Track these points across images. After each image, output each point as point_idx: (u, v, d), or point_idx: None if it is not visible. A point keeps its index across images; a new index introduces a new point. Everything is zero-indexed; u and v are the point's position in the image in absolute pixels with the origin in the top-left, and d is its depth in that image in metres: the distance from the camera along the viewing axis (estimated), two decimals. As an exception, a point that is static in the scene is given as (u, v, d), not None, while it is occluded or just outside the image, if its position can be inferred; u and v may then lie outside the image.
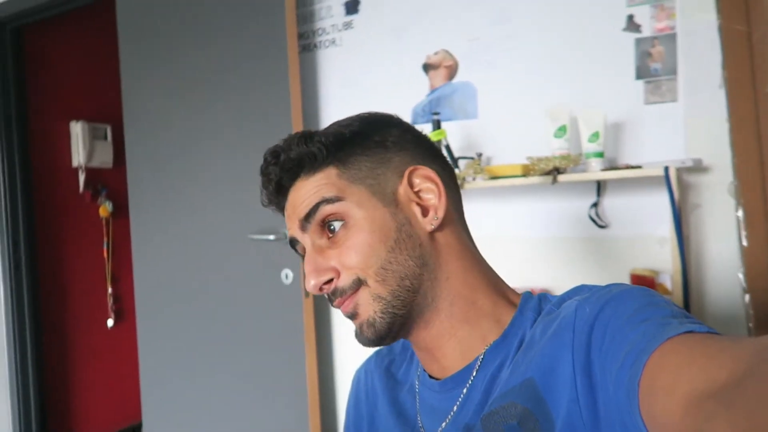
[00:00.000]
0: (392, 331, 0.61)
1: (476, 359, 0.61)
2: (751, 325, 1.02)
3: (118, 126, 2.94)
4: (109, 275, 3.02)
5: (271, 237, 1.78)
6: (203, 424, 2.05)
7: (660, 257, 1.40)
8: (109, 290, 3.02)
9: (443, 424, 0.61)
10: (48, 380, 2.68)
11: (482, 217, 1.65)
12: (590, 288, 0.58)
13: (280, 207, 0.68)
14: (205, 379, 2.04)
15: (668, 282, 1.31)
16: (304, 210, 0.62)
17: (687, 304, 1.24)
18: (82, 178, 2.90)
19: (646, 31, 1.45)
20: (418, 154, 0.66)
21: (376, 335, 0.60)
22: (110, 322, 3.01)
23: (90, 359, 2.92)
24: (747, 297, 1.03)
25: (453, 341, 0.62)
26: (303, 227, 0.63)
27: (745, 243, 1.03)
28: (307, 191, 0.62)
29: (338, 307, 0.62)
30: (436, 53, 1.72)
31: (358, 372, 0.80)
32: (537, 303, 0.62)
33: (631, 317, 0.47)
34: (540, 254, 1.58)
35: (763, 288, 0.99)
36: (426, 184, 0.64)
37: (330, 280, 0.61)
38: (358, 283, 0.60)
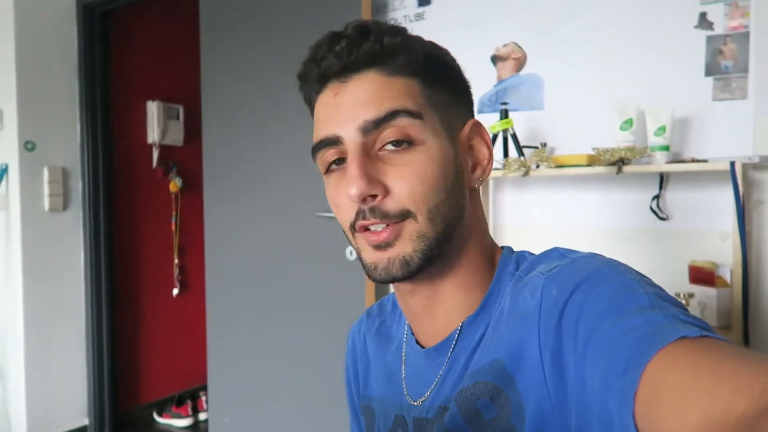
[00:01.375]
0: (420, 272, 0.55)
1: (455, 331, 0.59)
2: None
3: (189, 106, 3.13)
4: (176, 247, 3.21)
5: (339, 215, 1.89)
6: (264, 390, 2.19)
7: (720, 251, 1.43)
8: (176, 261, 3.21)
9: (427, 393, 0.60)
10: (119, 340, 2.89)
11: (544, 205, 1.71)
12: (562, 254, 0.56)
13: (314, 87, 0.59)
14: (268, 347, 2.17)
15: (728, 275, 1.34)
16: (378, 112, 0.53)
17: (746, 298, 1.28)
18: (155, 154, 3.09)
19: (719, 29, 1.47)
20: (473, 112, 0.64)
21: (404, 273, 0.54)
22: (175, 291, 3.20)
23: (156, 324, 3.12)
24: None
25: (445, 306, 0.60)
26: (365, 129, 0.54)
27: (809, 237, 1.06)
28: (383, 90, 0.54)
29: (368, 227, 0.55)
30: (505, 45, 1.78)
31: (352, 332, 0.77)
32: (514, 268, 0.60)
33: (608, 307, 0.44)
34: (600, 243, 1.63)
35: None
36: (480, 143, 0.62)
37: (375, 196, 0.54)
38: (405, 216, 0.54)
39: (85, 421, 2.75)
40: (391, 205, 0.54)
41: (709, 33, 1.48)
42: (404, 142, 0.54)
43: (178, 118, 3.19)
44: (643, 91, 1.54)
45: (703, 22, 1.49)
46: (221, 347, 2.35)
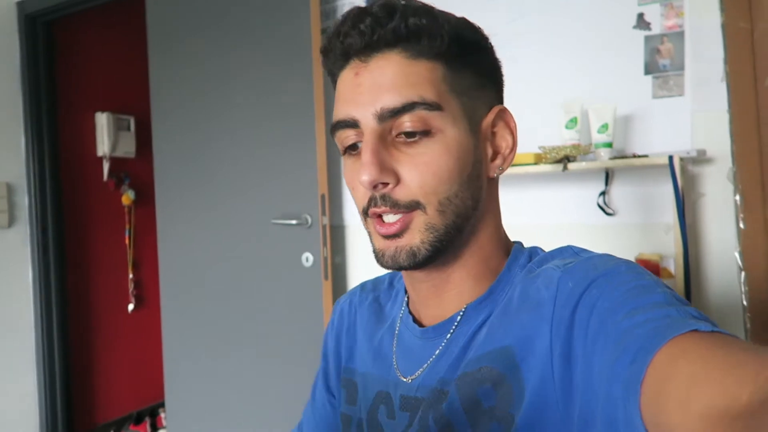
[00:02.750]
0: (427, 262, 0.55)
1: (458, 313, 0.59)
2: (744, 303, 1.10)
3: (141, 117, 3.06)
4: (131, 261, 3.13)
5: (293, 222, 1.87)
6: (224, 402, 2.14)
7: (666, 243, 1.47)
8: (130, 276, 3.12)
9: (419, 371, 0.60)
10: (73, 360, 2.79)
11: (495, 205, 1.73)
12: (576, 253, 0.57)
13: (337, 62, 0.57)
14: (226, 360, 2.13)
15: (672, 265, 1.38)
16: (394, 101, 0.52)
17: (688, 284, 1.31)
18: (106, 167, 3.01)
19: (656, 29, 1.52)
20: (500, 96, 0.61)
21: (411, 263, 0.55)
22: (130, 307, 3.11)
23: (111, 341, 3.03)
24: (743, 275, 1.11)
25: (454, 292, 0.60)
26: (381, 117, 0.53)
27: (742, 226, 1.10)
28: (404, 75, 0.53)
29: (378, 214, 0.55)
30: (453, 48, 1.80)
31: (342, 304, 0.76)
32: (526, 260, 0.60)
33: (621, 301, 0.44)
34: (549, 240, 1.65)
35: (758, 266, 1.06)
36: (504, 130, 0.60)
37: (386, 184, 0.54)
38: (415, 206, 0.54)
39: (38, 446, 2.64)
40: (401, 194, 0.54)
41: (647, 33, 1.53)
42: (420, 133, 0.53)
43: (129, 129, 3.11)
44: (588, 90, 1.58)
45: (641, 22, 1.53)
46: (178, 362, 2.29)
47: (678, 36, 1.49)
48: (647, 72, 1.52)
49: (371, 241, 0.59)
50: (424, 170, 0.53)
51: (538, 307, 0.51)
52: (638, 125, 1.53)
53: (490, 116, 0.58)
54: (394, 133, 0.54)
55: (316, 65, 1.84)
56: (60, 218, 2.76)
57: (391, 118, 0.53)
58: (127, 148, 3.09)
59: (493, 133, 0.59)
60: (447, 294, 0.60)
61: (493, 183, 0.61)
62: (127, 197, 3.09)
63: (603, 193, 1.55)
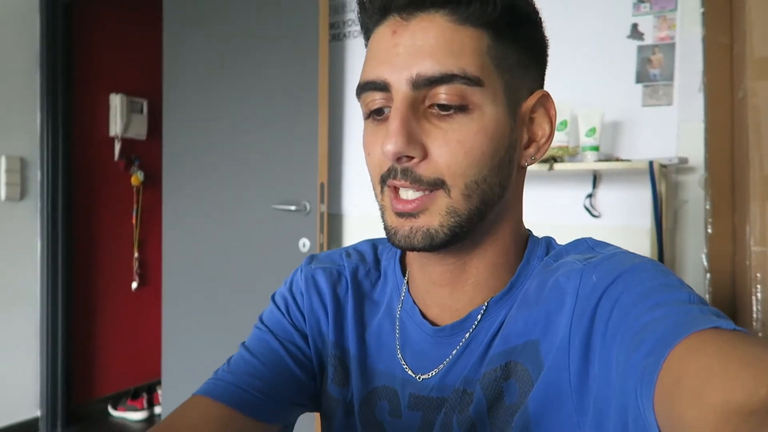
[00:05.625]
0: (444, 246, 0.51)
1: (479, 308, 0.56)
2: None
3: (153, 101, 3.13)
4: (136, 241, 3.21)
5: (292, 207, 1.94)
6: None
7: (648, 245, 1.53)
8: (135, 255, 3.21)
9: (434, 370, 0.56)
10: (75, 333, 2.88)
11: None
12: (591, 246, 0.55)
13: (373, 17, 0.53)
14: (222, 340, 2.20)
15: (649, 267, 1.44)
16: (433, 69, 0.48)
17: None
18: (117, 147, 3.09)
19: (648, 40, 1.57)
20: (542, 79, 0.57)
21: (427, 246, 0.51)
22: (134, 285, 3.19)
23: (114, 318, 3.11)
24: (708, 276, 1.16)
25: (470, 282, 0.56)
26: (416, 84, 0.49)
27: (710, 230, 1.15)
28: (446, 41, 0.48)
29: (397, 186, 0.51)
30: (454, 48, 1.86)
31: (313, 270, 0.67)
32: (543, 252, 0.58)
33: (644, 296, 0.43)
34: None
35: (722, 270, 1.12)
36: (543, 118, 0.56)
37: (411, 158, 0.49)
38: (439, 185, 0.50)
39: (38, 413, 2.73)
40: (426, 170, 0.49)
41: (640, 43, 1.58)
42: (456, 107, 0.49)
43: (141, 111, 3.19)
44: (579, 95, 1.64)
45: (635, 32, 1.59)
46: (176, 341, 2.37)
47: (669, 47, 1.54)
48: (638, 81, 1.58)
49: (382, 217, 0.54)
50: (456, 148, 0.49)
51: (559, 297, 0.50)
52: (628, 131, 1.59)
53: (531, 100, 0.54)
54: (427, 103, 0.50)
55: (322, 59, 1.90)
56: (70, 194, 2.84)
57: (426, 87, 0.49)
58: (139, 130, 3.17)
59: (531, 119, 0.55)
60: (462, 283, 0.56)
61: (522, 172, 0.57)
62: (136, 178, 3.16)
63: (590, 196, 1.61)
